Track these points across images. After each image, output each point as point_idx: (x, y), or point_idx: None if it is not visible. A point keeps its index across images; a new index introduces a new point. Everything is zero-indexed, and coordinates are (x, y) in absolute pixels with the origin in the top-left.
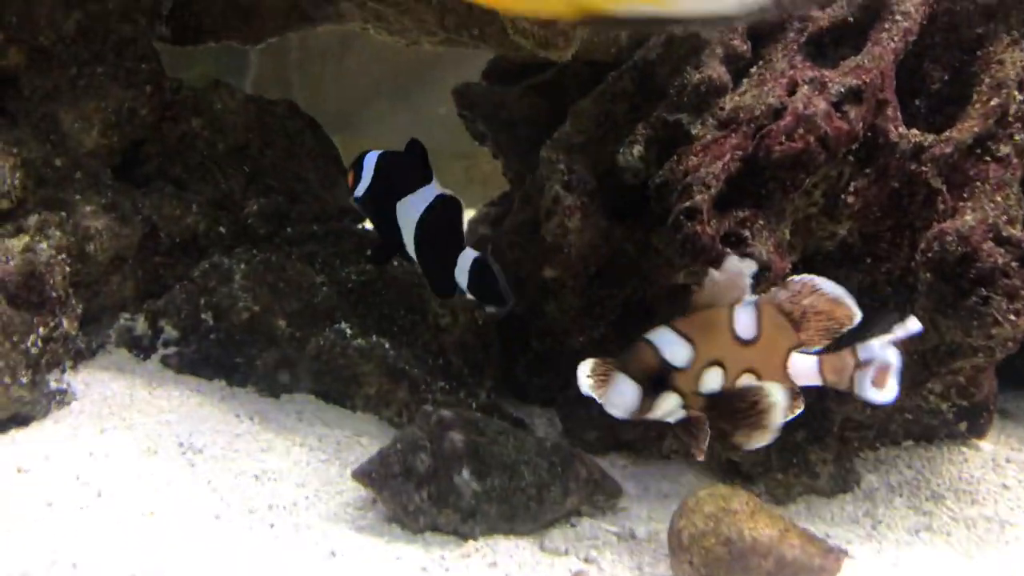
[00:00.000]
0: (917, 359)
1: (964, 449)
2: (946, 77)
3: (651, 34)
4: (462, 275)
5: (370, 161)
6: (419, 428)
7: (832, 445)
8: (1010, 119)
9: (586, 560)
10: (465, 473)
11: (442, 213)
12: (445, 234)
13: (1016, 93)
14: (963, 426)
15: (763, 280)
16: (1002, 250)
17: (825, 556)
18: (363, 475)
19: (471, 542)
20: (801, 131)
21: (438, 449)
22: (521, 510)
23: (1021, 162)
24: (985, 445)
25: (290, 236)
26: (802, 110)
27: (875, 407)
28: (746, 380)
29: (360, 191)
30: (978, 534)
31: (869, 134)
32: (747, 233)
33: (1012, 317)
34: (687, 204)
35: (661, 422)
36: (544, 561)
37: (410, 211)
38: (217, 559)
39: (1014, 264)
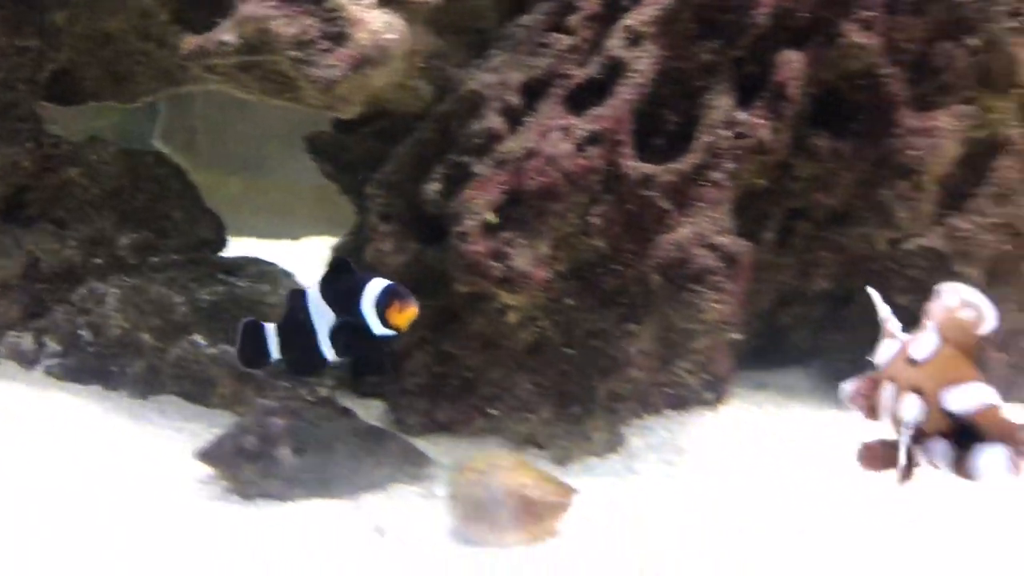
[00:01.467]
0: (666, 342)
1: (709, 414)
2: (678, 120)
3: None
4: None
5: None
6: (250, 416)
7: (602, 416)
8: (721, 152)
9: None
10: (285, 450)
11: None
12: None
13: (723, 132)
14: (709, 396)
15: None
16: (711, 254)
17: (560, 494)
18: (204, 455)
19: (290, 503)
20: (549, 168)
21: (263, 432)
22: (336, 479)
23: (732, 185)
24: (726, 409)
25: (155, 264)
26: (549, 151)
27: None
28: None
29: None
30: (706, 474)
31: (609, 168)
32: (510, 251)
33: (717, 305)
34: (460, 229)
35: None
36: (351, 516)
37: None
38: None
39: (720, 265)
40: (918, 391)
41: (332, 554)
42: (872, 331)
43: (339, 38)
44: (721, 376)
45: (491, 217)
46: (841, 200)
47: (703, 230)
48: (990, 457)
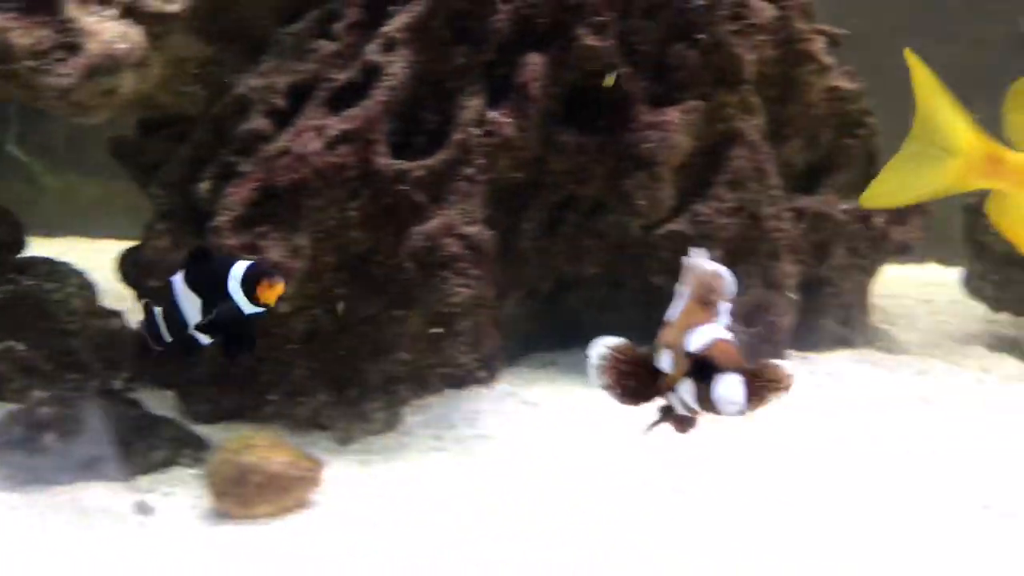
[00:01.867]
0: (435, 325)
1: (484, 390)
2: (436, 120)
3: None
4: None
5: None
6: (22, 407)
7: (379, 397)
8: (472, 149)
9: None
10: (51, 437)
11: None
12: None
13: (474, 130)
14: (483, 374)
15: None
16: (458, 242)
17: (309, 468)
18: None
19: (61, 487)
20: (299, 165)
21: (30, 420)
22: (106, 461)
23: (484, 179)
24: (500, 386)
25: None
26: (299, 150)
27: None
28: None
29: None
30: (475, 448)
31: (362, 165)
32: (264, 243)
33: (460, 288)
34: (214, 224)
35: None
36: (119, 496)
37: None
38: None
39: (465, 252)
40: (670, 347)
41: (87, 530)
42: (639, 311)
43: (73, 48)
44: (490, 354)
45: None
46: (596, 191)
47: (453, 221)
48: (726, 384)
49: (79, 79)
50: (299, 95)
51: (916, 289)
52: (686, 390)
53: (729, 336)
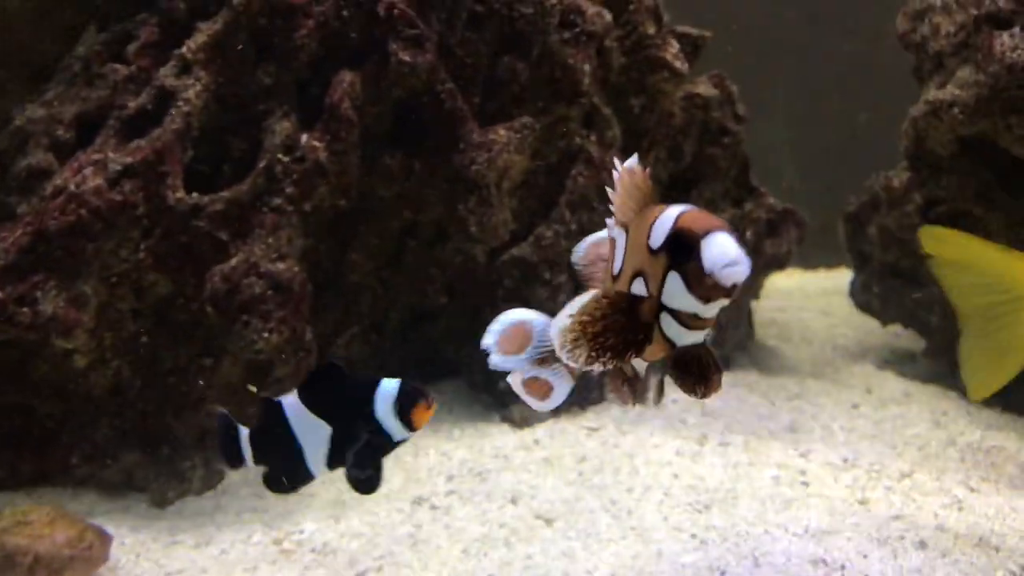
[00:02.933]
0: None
1: None
2: (243, 146)
3: None
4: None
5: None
6: None
7: (195, 454)
8: (279, 177)
9: None
10: None
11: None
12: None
13: (282, 156)
14: None
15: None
16: (261, 282)
17: (91, 546)
18: None
19: None
20: (74, 206)
21: None
22: None
23: (296, 208)
24: None
25: None
26: (74, 188)
27: None
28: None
29: None
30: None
31: (154, 200)
32: (38, 293)
33: (266, 335)
34: None
35: None
36: None
37: None
38: None
39: (270, 292)
40: (638, 269)
41: None
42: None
43: None
44: None
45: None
46: (437, 216)
47: (255, 258)
48: (714, 245)
49: None
50: (88, 125)
51: (817, 300)
52: (675, 289)
53: (690, 207)
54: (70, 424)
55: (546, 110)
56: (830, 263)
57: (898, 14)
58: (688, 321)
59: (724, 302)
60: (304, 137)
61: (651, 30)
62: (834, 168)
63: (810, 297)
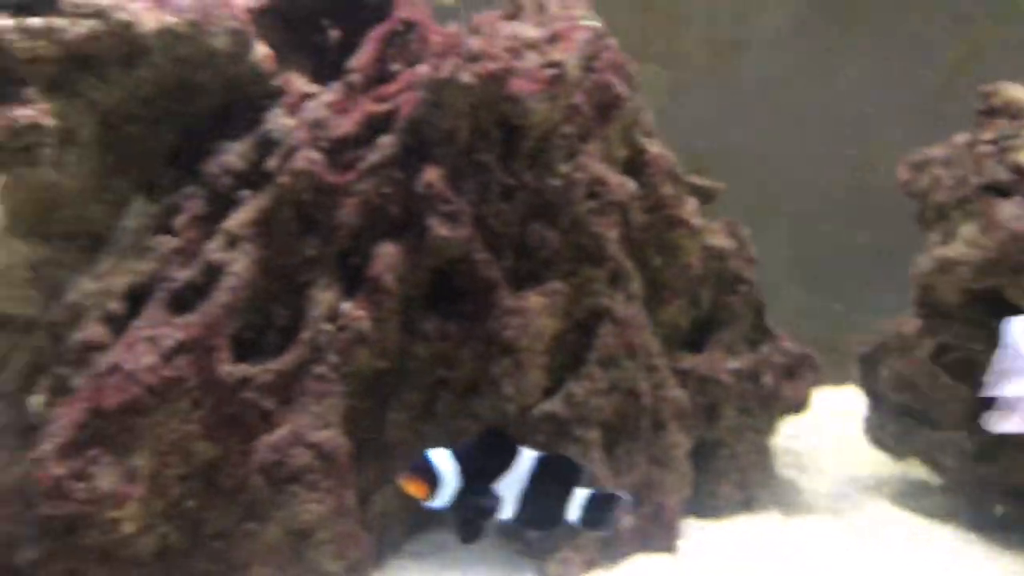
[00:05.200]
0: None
1: None
2: (288, 314)
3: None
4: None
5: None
6: None
7: None
8: (323, 346)
9: None
10: None
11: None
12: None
13: (325, 326)
14: None
15: None
16: (308, 452)
17: None
18: None
19: None
20: (129, 384)
21: None
22: None
23: (338, 376)
24: None
25: None
26: (130, 367)
27: None
28: None
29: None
30: None
31: (204, 374)
32: (94, 469)
33: (312, 505)
34: (34, 455)
35: None
36: None
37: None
38: None
39: (316, 462)
40: None
41: None
42: None
43: None
44: (361, 559)
45: None
46: (468, 372)
47: (302, 428)
48: None
49: None
50: (138, 297)
51: (831, 421)
52: None
53: None
54: None
55: (574, 272)
56: (836, 380)
57: (899, 164)
58: None
59: None
60: (347, 306)
61: (669, 191)
62: (838, 282)
63: (821, 422)
